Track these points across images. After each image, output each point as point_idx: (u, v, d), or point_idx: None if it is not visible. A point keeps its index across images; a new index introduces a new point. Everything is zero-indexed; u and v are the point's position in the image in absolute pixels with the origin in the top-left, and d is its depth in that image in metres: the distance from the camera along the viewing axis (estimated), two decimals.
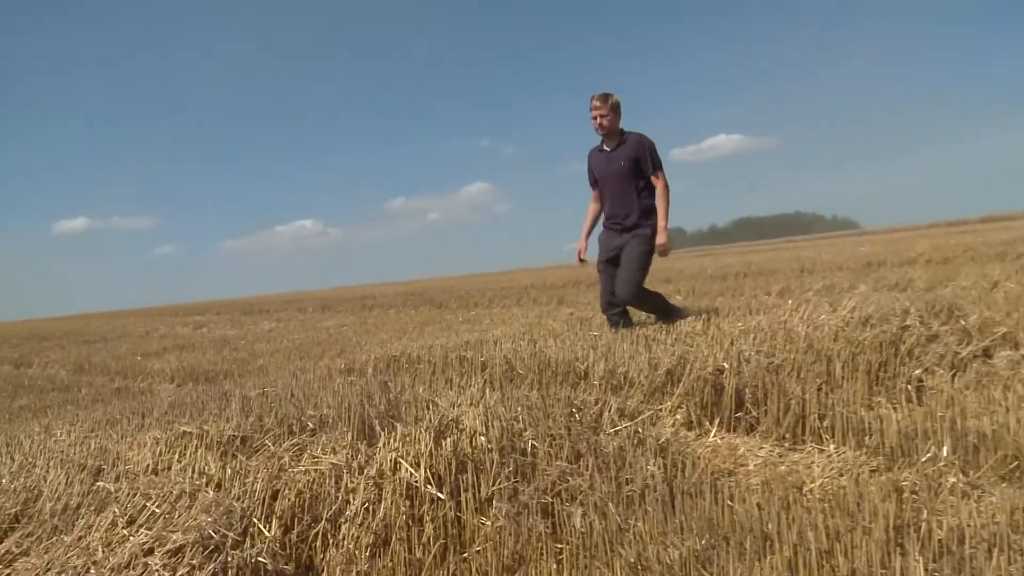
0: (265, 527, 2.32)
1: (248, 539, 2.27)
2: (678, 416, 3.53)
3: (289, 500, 2.41)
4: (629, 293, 5.37)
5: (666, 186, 5.37)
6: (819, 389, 3.39)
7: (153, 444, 3.07)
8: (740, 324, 4.82)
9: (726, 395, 3.49)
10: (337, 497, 2.44)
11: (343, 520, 2.37)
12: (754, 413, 3.42)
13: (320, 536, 2.34)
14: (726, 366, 3.63)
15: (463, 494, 2.47)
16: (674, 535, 2.13)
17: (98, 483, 2.69)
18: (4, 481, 2.89)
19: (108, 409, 4.66)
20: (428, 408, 3.15)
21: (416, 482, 2.46)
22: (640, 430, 3.11)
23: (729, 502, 2.34)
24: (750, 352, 3.78)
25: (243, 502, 2.41)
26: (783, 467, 2.81)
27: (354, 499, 2.41)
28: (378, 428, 2.93)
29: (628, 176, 5.39)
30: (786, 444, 3.16)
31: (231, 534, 2.23)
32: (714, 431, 3.36)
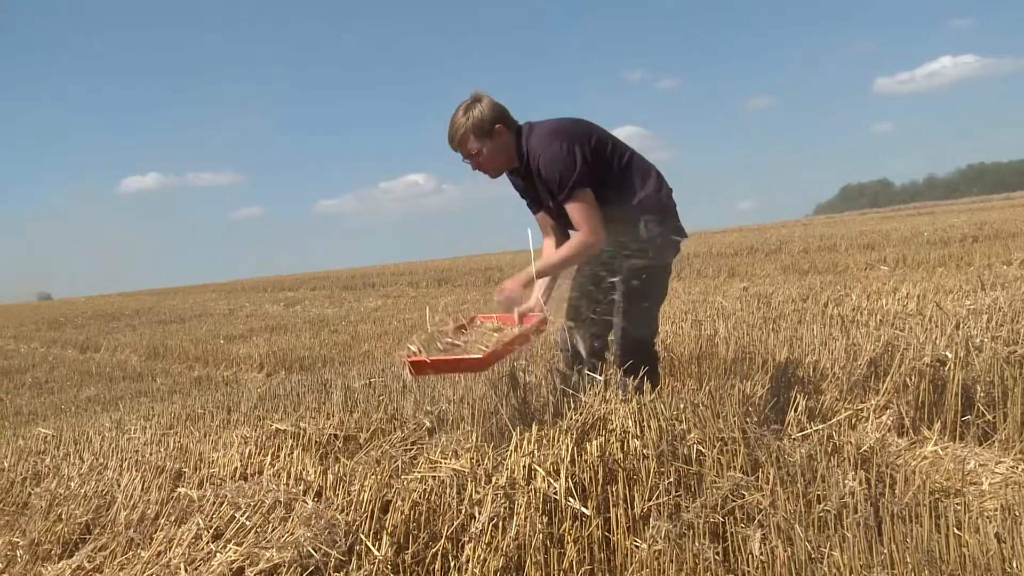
0: (374, 545, 2.39)
1: (354, 559, 2.34)
2: (885, 418, 3.41)
3: (402, 513, 2.46)
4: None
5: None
6: None
7: (241, 444, 3.22)
8: (968, 302, 4.56)
9: (949, 393, 3.33)
10: (460, 511, 2.47)
11: (467, 538, 2.40)
12: (988, 417, 3.26)
13: (439, 557, 2.39)
14: (949, 356, 3.45)
15: (612, 510, 2.45)
16: (881, 569, 2.05)
17: (178, 489, 2.86)
18: (74, 484, 3.12)
19: (188, 402, 4.97)
20: (569, 404, 3.15)
21: (555, 494, 2.47)
22: (835, 435, 3.00)
23: (956, 530, 2.21)
24: (982, 339, 3.59)
25: (347, 514, 2.48)
26: None
27: (480, 513, 2.44)
28: (508, 427, 2.95)
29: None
30: None
31: (334, 552, 2.30)
32: (933, 439, 3.22)
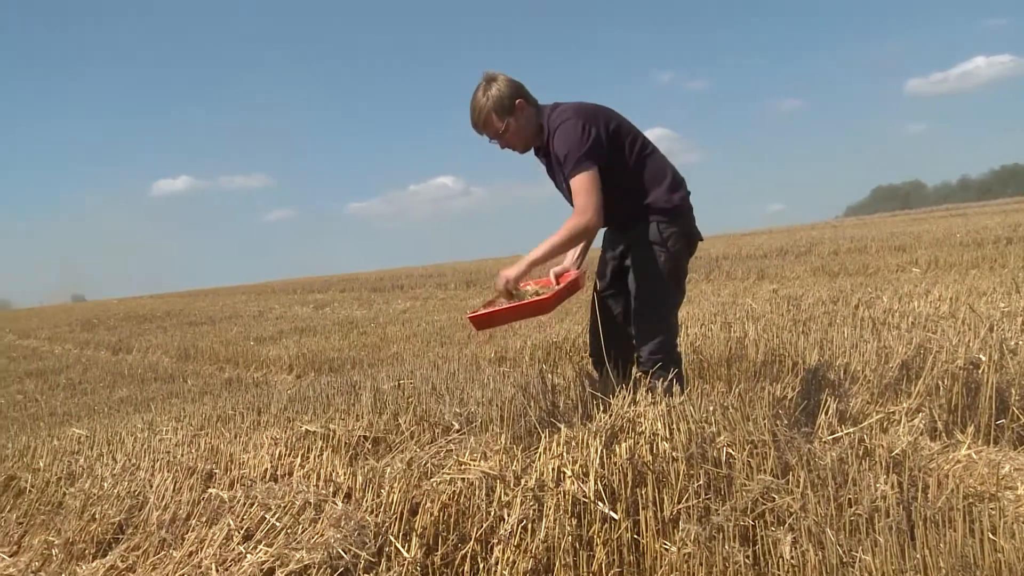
0: (403, 546, 2.40)
1: (383, 560, 2.35)
2: (917, 422, 3.37)
3: (432, 515, 2.47)
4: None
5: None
6: None
7: (271, 445, 3.25)
8: (1003, 305, 4.51)
9: (983, 396, 3.29)
10: (489, 513, 2.48)
11: (496, 540, 2.41)
12: (1023, 421, 3.21)
13: (468, 559, 2.39)
14: (983, 359, 3.41)
15: (642, 512, 2.44)
16: (914, 574, 2.04)
17: (209, 490, 2.88)
18: (107, 485, 3.16)
19: (218, 403, 5.01)
20: (598, 406, 3.15)
21: (584, 497, 2.47)
22: (867, 438, 2.97)
23: (991, 535, 2.19)
24: (1017, 341, 3.56)
25: (377, 516, 2.50)
26: None
27: (509, 515, 2.44)
28: (537, 429, 2.96)
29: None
30: None
31: (364, 554, 2.32)
32: (967, 443, 3.18)
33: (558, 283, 3.46)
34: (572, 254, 3.63)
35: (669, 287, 3.40)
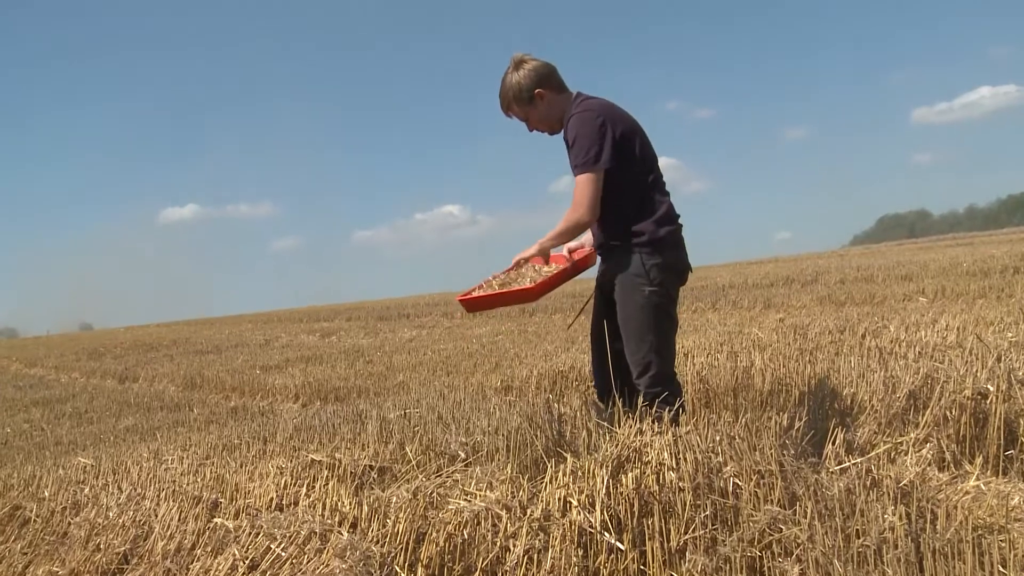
0: None
1: None
2: (925, 452, 3.35)
3: (437, 545, 2.47)
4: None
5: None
6: None
7: (277, 475, 3.24)
8: (1011, 335, 4.49)
9: (991, 427, 3.28)
10: (495, 543, 2.47)
11: (502, 571, 2.40)
12: None
13: None
14: (991, 389, 3.40)
15: (648, 543, 2.43)
16: None
17: (215, 519, 2.87)
18: (112, 514, 3.15)
19: (224, 432, 5.00)
20: (604, 436, 3.14)
21: (590, 527, 2.46)
22: (874, 468, 2.96)
23: (1000, 568, 2.17)
24: None
25: (382, 546, 2.49)
26: None
27: (515, 546, 2.44)
28: (544, 459, 2.95)
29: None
30: None
31: None
32: (976, 473, 3.16)
33: (571, 258, 3.63)
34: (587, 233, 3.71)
35: (656, 319, 3.38)
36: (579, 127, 3.32)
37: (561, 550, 2.38)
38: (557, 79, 3.50)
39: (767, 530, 2.44)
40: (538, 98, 3.45)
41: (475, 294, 3.44)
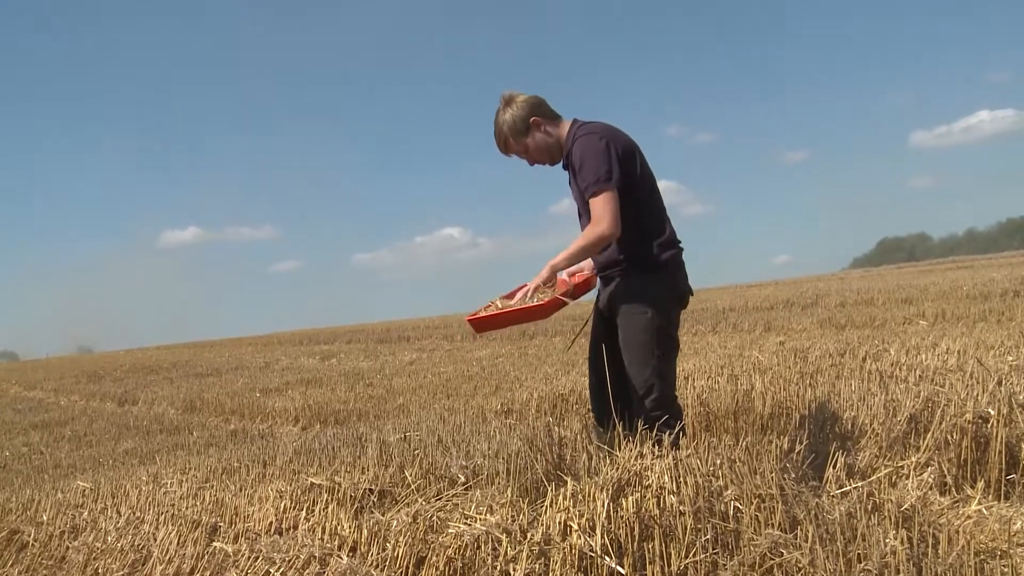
0: None
1: None
2: (926, 476, 3.34)
3: (437, 569, 2.46)
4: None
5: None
6: None
7: (276, 498, 3.23)
8: (1011, 358, 4.49)
9: (992, 451, 3.27)
10: (495, 567, 2.46)
11: None
12: None
13: None
14: (992, 413, 3.39)
15: (649, 567, 2.42)
16: None
17: (214, 544, 2.87)
18: (110, 538, 3.14)
19: (224, 455, 4.99)
20: (604, 459, 3.13)
21: (591, 551, 2.45)
22: (875, 492, 2.95)
23: None
24: None
25: (382, 570, 2.48)
26: None
27: (515, 570, 2.43)
28: (544, 483, 2.94)
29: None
30: None
31: None
32: (977, 498, 3.15)
33: (571, 282, 3.56)
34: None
35: (659, 342, 3.39)
36: (584, 149, 3.35)
37: (561, 574, 2.38)
38: (548, 108, 3.54)
39: (768, 554, 2.43)
40: (534, 127, 3.48)
41: (482, 314, 3.46)
